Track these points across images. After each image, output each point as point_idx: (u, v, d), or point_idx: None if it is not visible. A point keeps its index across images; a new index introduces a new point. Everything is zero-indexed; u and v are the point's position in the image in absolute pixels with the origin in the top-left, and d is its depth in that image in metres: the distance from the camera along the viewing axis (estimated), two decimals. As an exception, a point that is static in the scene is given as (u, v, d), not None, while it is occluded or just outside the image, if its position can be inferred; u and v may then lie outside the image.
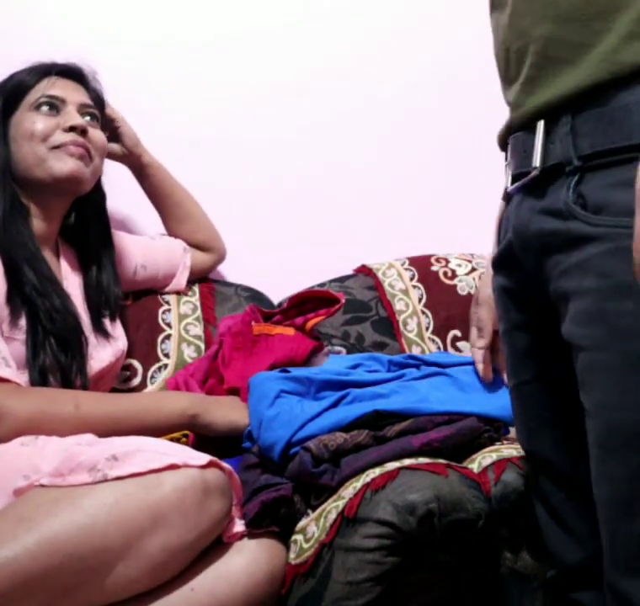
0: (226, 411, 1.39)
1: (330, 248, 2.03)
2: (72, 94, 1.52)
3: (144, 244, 1.76)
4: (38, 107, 1.48)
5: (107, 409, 1.33)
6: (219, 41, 1.99)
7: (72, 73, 1.55)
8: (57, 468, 1.12)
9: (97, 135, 1.53)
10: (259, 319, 1.54)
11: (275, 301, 1.88)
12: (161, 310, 1.78)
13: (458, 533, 1.13)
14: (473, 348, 1.41)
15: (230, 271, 1.79)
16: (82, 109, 1.53)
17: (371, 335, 1.80)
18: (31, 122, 1.46)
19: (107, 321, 1.56)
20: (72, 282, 1.54)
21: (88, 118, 1.53)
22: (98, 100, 1.59)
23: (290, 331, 1.48)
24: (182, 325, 1.75)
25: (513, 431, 1.47)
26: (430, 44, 2.10)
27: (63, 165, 1.45)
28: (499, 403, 1.29)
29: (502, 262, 1.12)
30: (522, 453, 1.22)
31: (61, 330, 1.38)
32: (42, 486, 1.11)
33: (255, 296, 1.85)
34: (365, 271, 1.95)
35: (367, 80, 2.09)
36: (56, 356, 1.36)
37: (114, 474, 1.09)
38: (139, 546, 1.07)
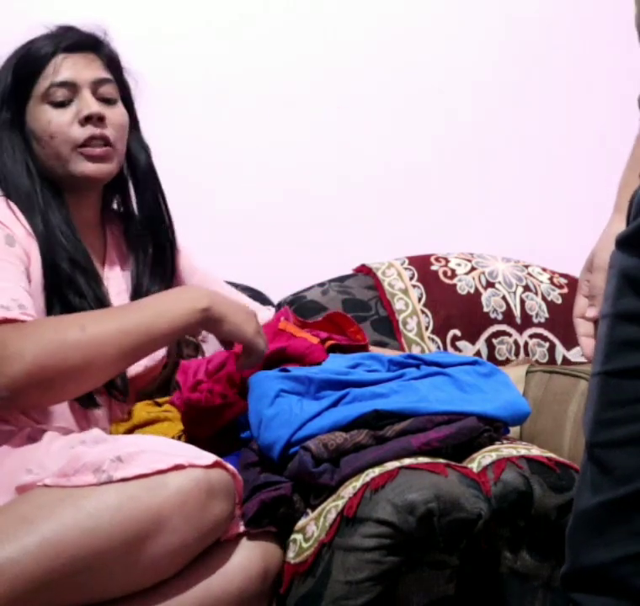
0: (236, 310, 1.32)
1: (330, 248, 2.03)
2: (84, 72, 1.43)
3: (209, 279, 1.64)
4: (49, 98, 1.40)
5: (114, 324, 1.25)
6: (220, 38, 1.99)
7: (83, 45, 1.45)
8: (62, 468, 1.11)
9: (115, 115, 1.44)
10: (290, 319, 1.53)
11: (275, 301, 1.88)
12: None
13: (458, 532, 1.12)
14: (579, 319, 1.29)
15: (230, 271, 1.78)
16: (97, 87, 1.43)
17: (371, 334, 1.80)
18: (46, 119, 1.40)
19: None
20: (115, 273, 1.49)
21: (104, 94, 1.44)
22: (114, 63, 1.49)
23: (314, 339, 1.47)
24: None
25: (513, 430, 1.47)
26: (432, 43, 2.10)
27: (84, 168, 1.40)
28: (499, 403, 1.29)
29: (632, 241, 1.01)
30: (522, 452, 1.22)
31: None
32: (46, 486, 1.10)
33: (255, 296, 1.85)
34: (364, 271, 1.95)
35: (368, 81, 2.09)
36: None
37: (119, 475, 1.08)
38: (141, 548, 1.07)
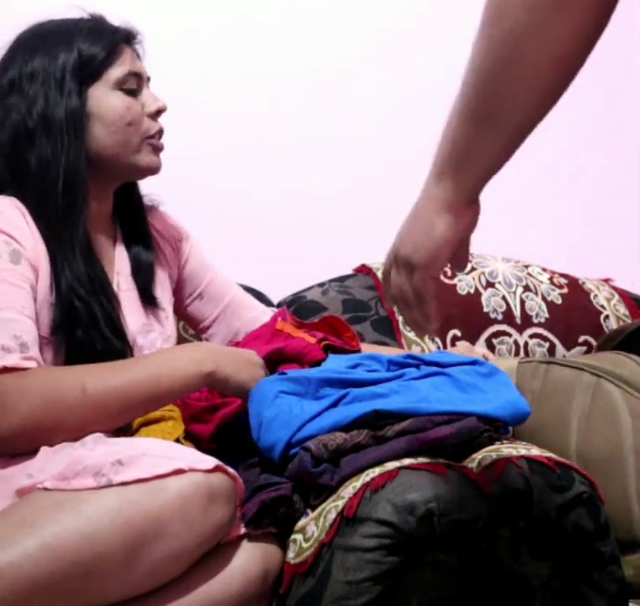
0: (241, 368, 1.31)
1: (330, 248, 2.03)
2: (141, 66, 1.45)
3: (220, 279, 1.65)
4: (124, 85, 1.40)
5: (116, 384, 1.23)
6: (225, 34, 1.99)
7: (132, 38, 1.46)
8: (62, 472, 1.10)
9: None
10: (287, 320, 1.54)
11: (275, 301, 1.88)
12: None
13: (458, 532, 1.12)
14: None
15: (230, 271, 1.78)
16: (148, 83, 1.46)
17: (371, 334, 1.80)
18: (124, 106, 1.39)
19: (162, 314, 1.50)
20: (125, 272, 1.48)
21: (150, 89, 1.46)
22: (140, 57, 1.48)
23: (312, 339, 1.47)
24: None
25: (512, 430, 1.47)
26: (430, 43, 2.10)
27: (151, 160, 1.42)
28: (499, 403, 1.29)
29: None
30: (522, 453, 1.22)
31: (104, 351, 1.32)
32: (45, 489, 1.10)
33: (255, 296, 1.85)
34: (364, 271, 1.95)
35: (368, 81, 2.09)
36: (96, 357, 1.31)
37: (119, 479, 1.08)
38: (141, 553, 1.07)
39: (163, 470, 1.08)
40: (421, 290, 1.02)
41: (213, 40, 1.99)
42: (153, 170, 1.45)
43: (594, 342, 1.95)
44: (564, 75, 0.90)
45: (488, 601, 1.18)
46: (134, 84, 1.41)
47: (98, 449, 1.15)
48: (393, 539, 1.10)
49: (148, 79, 1.47)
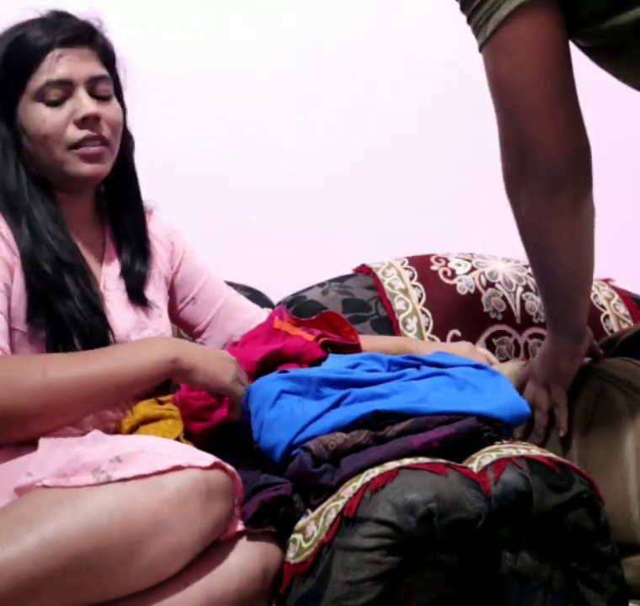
0: (211, 360, 1.30)
1: (330, 248, 2.03)
2: (80, 69, 1.38)
3: (213, 281, 1.65)
4: (43, 96, 1.36)
5: (79, 371, 1.22)
6: (222, 30, 1.98)
7: (79, 38, 1.40)
8: (61, 468, 1.11)
9: (111, 113, 1.42)
10: (284, 318, 1.54)
11: (275, 301, 1.88)
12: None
13: (458, 532, 1.12)
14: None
15: (230, 271, 1.78)
16: (93, 85, 1.40)
17: (371, 335, 1.80)
18: (40, 119, 1.36)
19: (155, 312, 1.50)
20: (113, 269, 1.48)
21: (100, 91, 1.41)
22: (108, 56, 1.44)
23: (309, 336, 1.47)
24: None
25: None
26: (427, 42, 2.10)
27: (80, 169, 1.39)
28: (499, 403, 1.29)
29: None
30: (522, 452, 1.22)
31: (87, 335, 1.33)
32: (45, 486, 1.10)
33: (255, 296, 1.85)
34: (364, 270, 1.95)
35: (366, 81, 2.09)
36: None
37: (118, 475, 1.08)
38: (140, 548, 1.07)
39: (162, 467, 1.09)
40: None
41: (211, 37, 1.99)
42: (86, 179, 1.41)
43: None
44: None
45: (488, 601, 1.18)
46: (55, 94, 1.37)
47: (96, 447, 1.15)
48: (393, 539, 1.10)
49: (99, 79, 1.40)
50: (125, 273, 1.48)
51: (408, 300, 1.89)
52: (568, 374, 1.50)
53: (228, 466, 1.15)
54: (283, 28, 2.04)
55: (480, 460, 1.20)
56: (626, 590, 1.23)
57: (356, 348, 1.52)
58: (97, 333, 1.36)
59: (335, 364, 1.39)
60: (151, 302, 1.50)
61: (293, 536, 1.19)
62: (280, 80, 2.04)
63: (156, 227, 1.58)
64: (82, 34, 1.41)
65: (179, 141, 1.91)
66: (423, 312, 1.88)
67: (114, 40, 1.46)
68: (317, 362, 1.43)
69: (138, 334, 1.45)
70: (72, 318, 1.33)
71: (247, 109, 2.01)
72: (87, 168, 1.39)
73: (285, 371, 1.34)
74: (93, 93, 1.40)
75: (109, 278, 1.47)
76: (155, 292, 1.53)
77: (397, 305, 1.87)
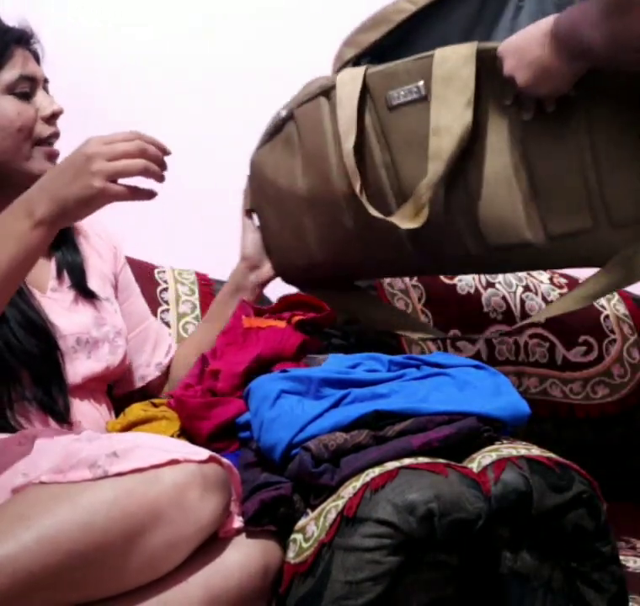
0: (61, 184, 1.15)
1: (330, 248, 2.02)
2: (36, 69, 1.41)
3: (137, 308, 1.63)
4: (15, 89, 1.37)
5: None
6: (218, 28, 1.99)
7: (27, 39, 1.42)
8: (58, 465, 1.12)
9: None
10: (251, 314, 1.54)
11: (274, 301, 1.87)
12: (160, 310, 1.78)
13: (458, 532, 1.12)
14: None
15: (229, 271, 1.78)
16: (45, 84, 1.43)
17: (371, 334, 1.80)
18: (14, 111, 1.37)
19: (110, 308, 1.50)
20: (54, 274, 1.47)
21: (47, 92, 1.43)
22: (39, 58, 1.45)
23: (282, 324, 1.47)
24: (180, 324, 1.75)
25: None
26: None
27: (43, 167, 1.38)
28: (499, 403, 1.29)
29: None
30: (522, 452, 1.22)
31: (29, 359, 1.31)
32: (42, 483, 1.11)
33: (255, 296, 1.85)
34: (364, 271, 1.94)
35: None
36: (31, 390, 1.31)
37: (115, 470, 1.09)
38: (139, 542, 1.07)
39: (158, 461, 1.09)
40: None
41: (211, 26, 1.99)
42: (39, 177, 1.34)
43: (594, 343, 1.96)
44: None
45: (488, 601, 1.18)
46: (27, 88, 1.39)
47: (92, 443, 1.16)
48: (393, 539, 1.10)
49: (46, 81, 1.43)
50: (61, 268, 1.47)
51: (408, 300, 1.89)
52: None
53: (224, 460, 1.16)
54: (283, 28, 2.05)
55: (480, 460, 1.20)
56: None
57: (329, 316, 1.52)
58: (38, 356, 1.32)
59: (335, 364, 1.39)
60: (100, 296, 1.50)
61: (293, 536, 1.19)
62: (281, 80, 2.04)
63: (96, 225, 1.59)
64: (29, 36, 1.43)
65: (177, 141, 1.91)
66: (423, 312, 1.88)
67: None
68: (302, 347, 1.43)
69: (98, 330, 1.45)
70: (8, 344, 1.29)
71: (248, 110, 2.01)
72: (46, 166, 1.40)
73: (285, 371, 1.34)
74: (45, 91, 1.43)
75: (53, 280, 1.46)
76: (102, 285, 1.53)
77: (398, 304, 1.87)
